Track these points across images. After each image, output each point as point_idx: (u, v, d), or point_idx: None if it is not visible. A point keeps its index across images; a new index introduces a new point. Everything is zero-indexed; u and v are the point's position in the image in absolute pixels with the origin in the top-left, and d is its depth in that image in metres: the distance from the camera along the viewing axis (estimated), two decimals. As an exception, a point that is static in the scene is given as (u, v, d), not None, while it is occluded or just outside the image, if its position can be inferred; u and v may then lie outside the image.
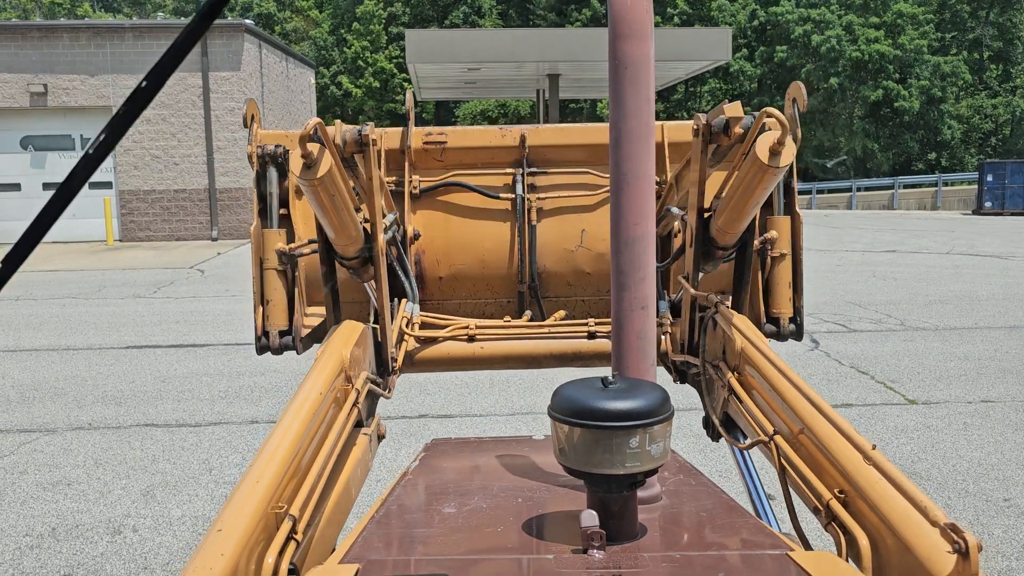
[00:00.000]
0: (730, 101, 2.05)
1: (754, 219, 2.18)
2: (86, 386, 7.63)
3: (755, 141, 1.88)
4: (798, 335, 2.50)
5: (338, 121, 2.12)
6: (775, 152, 1.84)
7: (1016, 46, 44.25)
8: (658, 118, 2.23)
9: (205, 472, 5.41)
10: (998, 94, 43.78)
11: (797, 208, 2.50)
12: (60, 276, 15.54)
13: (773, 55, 42.48)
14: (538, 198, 2.80)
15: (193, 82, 21.11)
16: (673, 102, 42.66)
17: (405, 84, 43.08)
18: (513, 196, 2.79)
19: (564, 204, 2.82)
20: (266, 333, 2.49)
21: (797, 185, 2.51)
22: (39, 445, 6.01)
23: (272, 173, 2.49)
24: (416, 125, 2.80)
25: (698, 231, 2.21)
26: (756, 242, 2.32)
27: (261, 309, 2.50)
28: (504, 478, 1.64)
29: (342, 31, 45.97)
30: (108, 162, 21.40)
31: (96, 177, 19.20)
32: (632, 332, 1.54)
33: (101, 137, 0.74)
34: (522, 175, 2.78)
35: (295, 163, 1.84)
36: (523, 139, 2.78)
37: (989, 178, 27.38)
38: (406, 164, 2.76)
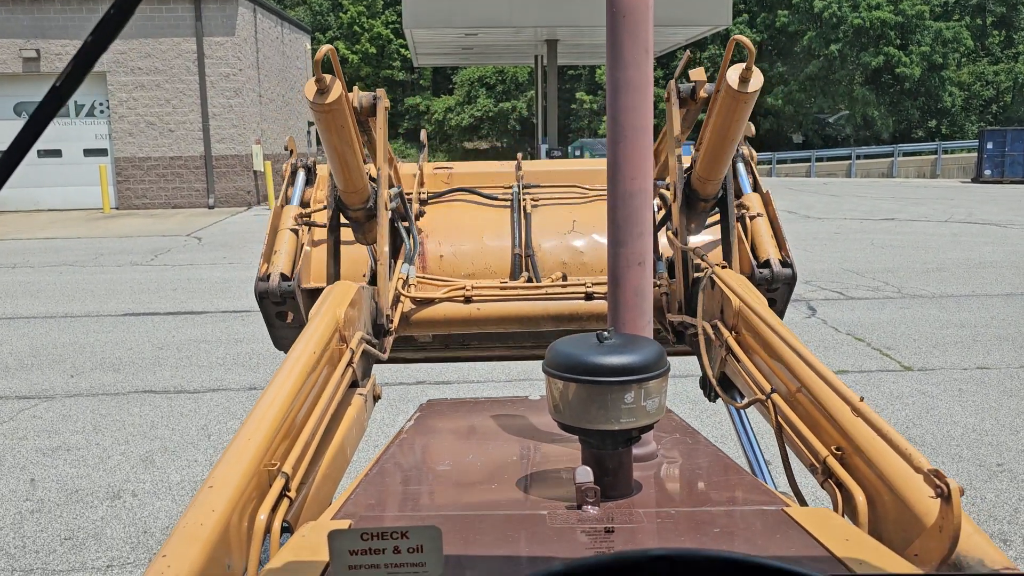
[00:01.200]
0: (695, 65, 2.26)
1: (730, 170, 2.42)
2: (84, 353, 7.64)
3: (726, 73, 2.05)
4: (793, 278, 2.62)
5: (356, 87, 2.28)
6: (744, 79, 2.01)
7: (1019, 11, 43.73)
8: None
9: (204, 438, 5.43)
10: (1000, 60, 43.35)
11: (763, 188, 2.82)
12: (57, 244, 15.49)
13: (774, 21, 41.98)
14: (532, 198, 3.05)
15: (187, 47, 20.86)
16: (672, 69, 42.27)
17: (402, 50, 42.58)
18: (510, 197, 3.04)
19: (556, 201, 3.08)
20: (268, 276, 2.60)
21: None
22: (38, 411, 6.03)
23: (300, 176, 2.82)
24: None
25: (680, 183, 2.38)
26: (734, 206, 2.54)
27: (266, 264, 2.65)
28: (499, 436, 1.64)
29: (338, -4, 45.36)
30: (103, 129, 21.26)
31: (92, 144, 18.91)
32: (629, 288, 1.52)
33: (69, 69, 0.72)
34: (518, 186, 3.06)
35: (309, 90, 1.99)
36: (518, 164, 3.13)
37: (989, 146, 27.23)
38: (416, 182, 3.05)
